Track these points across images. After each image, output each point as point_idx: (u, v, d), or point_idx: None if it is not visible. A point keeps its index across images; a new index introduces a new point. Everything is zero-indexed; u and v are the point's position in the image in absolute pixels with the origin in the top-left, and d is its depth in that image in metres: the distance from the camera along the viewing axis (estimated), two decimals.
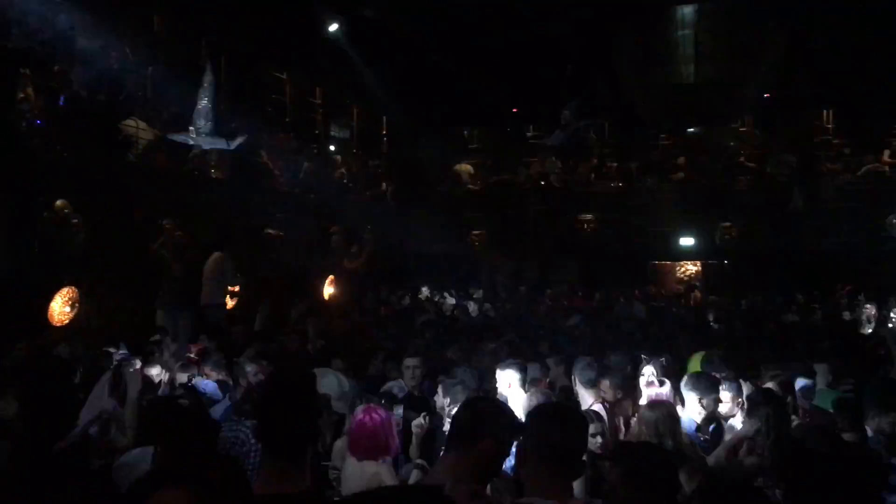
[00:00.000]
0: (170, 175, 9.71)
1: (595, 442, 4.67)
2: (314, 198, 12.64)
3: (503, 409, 2.83)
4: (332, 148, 14.49)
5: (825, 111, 14.55)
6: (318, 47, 11.71)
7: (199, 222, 9.50)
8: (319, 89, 13.51)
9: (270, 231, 11.23)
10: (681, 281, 17.47)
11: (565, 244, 14.90)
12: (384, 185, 14.88)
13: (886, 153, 14.19)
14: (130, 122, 9.19)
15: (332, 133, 14.63)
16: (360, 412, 4.04)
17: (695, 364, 6.16)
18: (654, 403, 4.32)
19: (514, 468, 3.82)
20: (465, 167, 16.16)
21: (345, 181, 13.83)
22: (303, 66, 12.83)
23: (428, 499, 1.57)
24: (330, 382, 5.77)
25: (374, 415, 3.90)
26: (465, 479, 2.61)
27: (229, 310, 9.46)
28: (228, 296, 9.59)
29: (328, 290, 12.98)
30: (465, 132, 17.18)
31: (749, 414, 4.13)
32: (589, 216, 14.69)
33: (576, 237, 14.72)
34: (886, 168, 13.89)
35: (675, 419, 4.02)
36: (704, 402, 4.55)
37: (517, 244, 15.25)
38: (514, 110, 15.35)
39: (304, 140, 13.58)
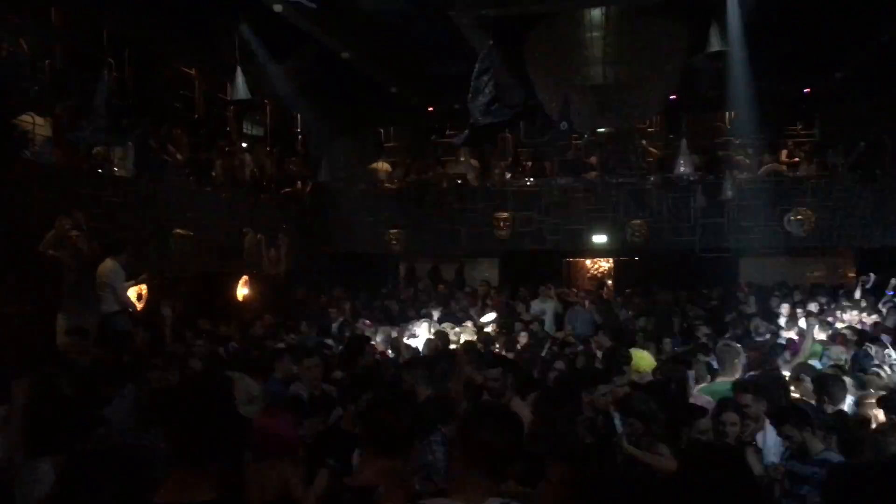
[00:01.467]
0: (69, 173, 9.26)
1: None
2: (225, 197, 12.34)
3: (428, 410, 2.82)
4: (244, 145, 14.16)
5: (727, 113, 15.17)
6: (228, 43, 11.41)
7: (101, 222, 9.11)
8: (230, 86, 13.19)
9: (180, 231, 10.89)
10: (594, 277, 17.93)
11: (482, 242, 15.03)
12: (299, 183, 14.65)
13: (784, 153, 14.92)
14: (26, 117, 8.76)
15: (245, 130, 14.30)
16: (261, 416, 3.97)
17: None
18: None
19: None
20: (382, 166, 16.08)
21: (257, 180, 13.54)
22: (213, 62, 12.49)
23: None
24: (239, 387, 5.65)
25: (277, 417, 3.82)
26: (398, 484, 2.59)
27: (136, 313, 9.10)
28: (137, 299, 9.22)
29: (242, 291, 12.71)
30: (381, 131, 17.10)
31: None
32: (505, 214, 14.85)
33: (492, 235, 14.86)
34: (784, 168, 14.59)
35: None
36: None
37: (435, 243, 15.29)
38: (430, 109, 15.38)
39: (215, 137, 13.24)
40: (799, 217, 13.84)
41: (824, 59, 12.97)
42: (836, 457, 4.15)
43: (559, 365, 7.14)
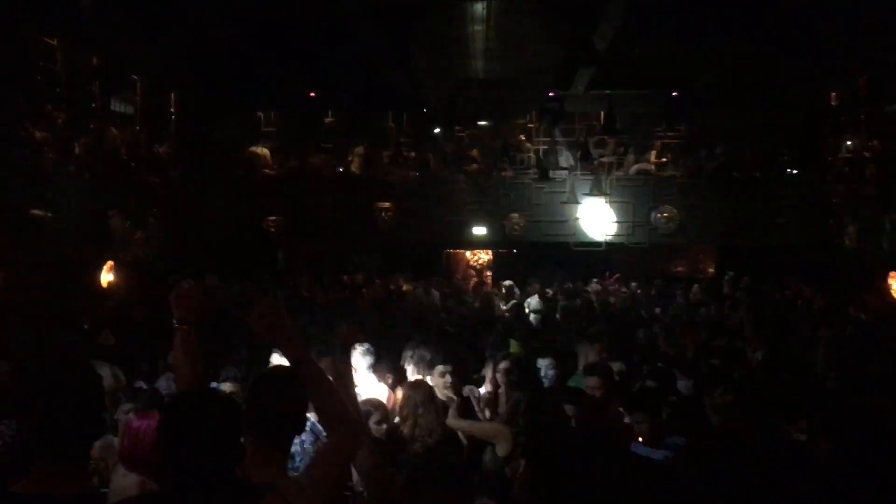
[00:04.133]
0: None
1: (380, 429, 4.80)
2: (89, 177, 11.64)
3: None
4: (112, 124, 13.38)
5: (601, 112, 15.76)
6: (94, 12, 10.73)
7: None
8: (97, 59, 12.42)
9: (37, 212, 10.17)
10: (473, 268, 18.26)
11: (363, 231, 14.96)
12: (172, 166, 14.02)
13: (653, 154, 15.68)
14: None
15: (113, 108, 13.51)
16: (134, 419, 3.63)
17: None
18: (414, 383, 4.78)
19: None
20: (262, 151, 15.67)
21: (125, 160, 12.85)
22: (77, 33, 11.71)
23: None
24: (104, 376, 5.40)
25: (149, 422, 3.46)
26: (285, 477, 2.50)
27: None
28: None
29: (107, 277, 12.04)
30: (261, 115, 16.64)
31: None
32: (387, 204, 14.83)
33: (374, 225, 14.81)
34: (653, 168, 15.34)
35: (432, 398, 4.51)
36: None
37: (315, 231, 15.07)
38: (312, 95, 15.10)
39: (79, 114, 12.43)
40: (665, 215, 14.62)
41: (691, 64, 13.69)
42: (683, 441, 4.38)
43: None
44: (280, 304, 2.50)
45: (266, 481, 2.29)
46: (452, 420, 4.74)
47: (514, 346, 7.31)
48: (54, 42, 12.09)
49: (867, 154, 12.32)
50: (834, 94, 13.94)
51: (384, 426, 4.81)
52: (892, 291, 10.76)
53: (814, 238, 13.74)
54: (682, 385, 5.73)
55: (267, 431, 2.47)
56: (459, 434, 4.73)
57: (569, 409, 4.80)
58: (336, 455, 2.42)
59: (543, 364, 6.03)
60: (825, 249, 13.21)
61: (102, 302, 11.05)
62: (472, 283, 15.47)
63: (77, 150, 11.68)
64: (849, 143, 13.25)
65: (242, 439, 2.23)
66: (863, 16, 10.39)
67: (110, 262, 11.96)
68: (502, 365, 5.50)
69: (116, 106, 13.69)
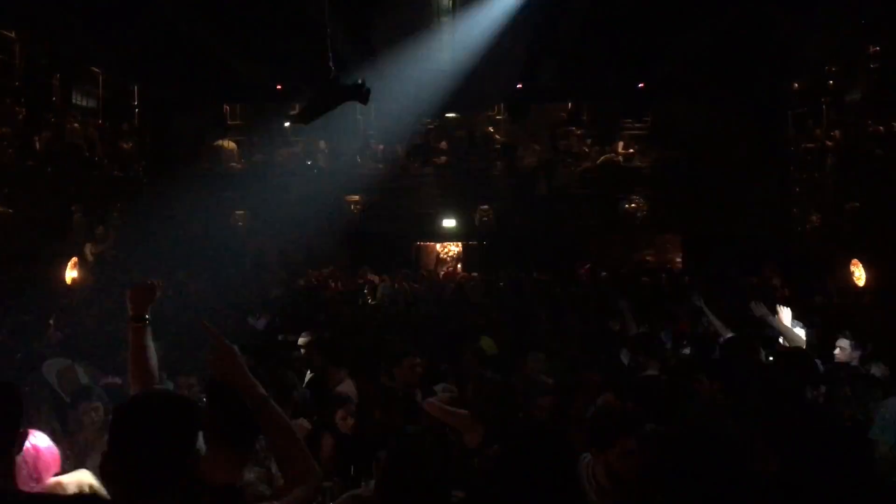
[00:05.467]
0: None
1: (346, 424, 4.79)
2: (51, 171, 11.42)
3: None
4: (73, 118, 13.13)
5: (569, 103, 15.83)
6: (52, 4, 10.50)
7: None
8: (55, 51, 12.17)
9: None
10: (443, 261, 18.22)
11: (332, 224, 14.84)
12: (136, 160, 13.81)
13: (620, 145, 15.80)
14: None
15: (74, 101, 13.25)
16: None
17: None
18: None
19: None
20: (228, 144, 15.48)
21: (87, 155, 12.62)
22: (35, 24, 11.45)
23: None
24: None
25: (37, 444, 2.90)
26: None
27: None
28: None
29: (70, 274, 11.83)
30: (227, 108, 16.42)
31: None
32: (355, 197, 14.75)
33: (342, 218, 14.71)
34: (620, 158, 15.46)
35: None
36: None
37: (283, 224, 14.93)
38: (279, 87, 14.92)
39: (39, 108, 12.17)
40: (633, 205, 14.74)
41: (655, 55, 13.79)
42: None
43: None
44: (233, 348, 2.42)
45: (224, 483, 2.26)
46: (430, 404, 4.71)
47: (485, 341, 7.30)
48: (12, 34, 11.82)
49: (829, 143, 12.52)
50: (796, 84, 14.14)
51: (350, 420, 4.80)
52: (855, 278, 10.95)
53: (777, 226, 13.95)
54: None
55: (225, 433, 2.42)
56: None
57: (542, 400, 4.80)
58: None
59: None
60: (788, 237, 13.43)
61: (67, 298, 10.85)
62: (443, 272, 15.44)
63: (38, 145, 11.46)
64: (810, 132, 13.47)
65: (200, 440, 2.13)
66: (823, 5, 10.54)
67: (75, 258, 11.76)
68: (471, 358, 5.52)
69: (78, 100, 13.44)
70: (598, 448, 3.33)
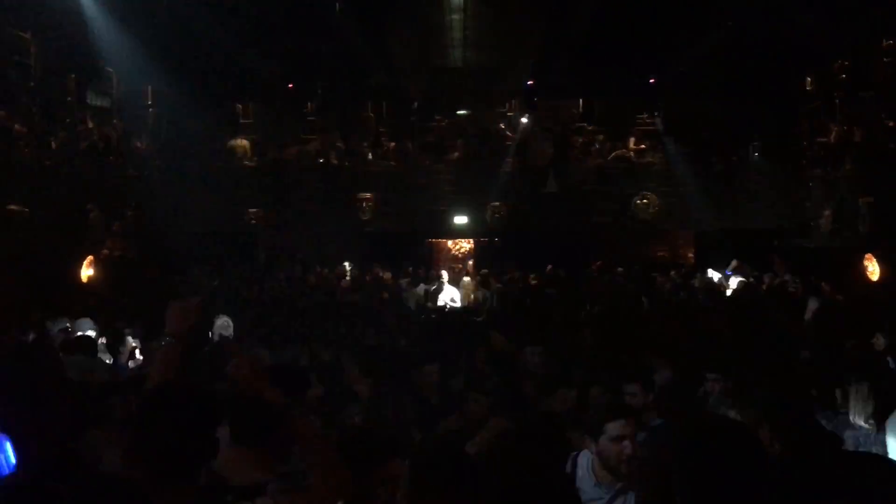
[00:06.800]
0: None
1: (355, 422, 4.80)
2: (67, 171, 11.53)
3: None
4: (88, 117, 13.25)
5: (580, 100, 15.78)
6: (66, 6, 10.60)
7: None
8: (72, 53, 12.29)
9: (13, 207, 10.06)
10: (455, 258, 18.24)
11: (344, 222, 14.90)
12: (150, 159, 13.92)
13: (632, 141, 15.74)
14: None
15: (89, 101, 13.38)
16: None
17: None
18: None
19: None
20: (241, 143, 15.55)
21: (103, 153, 12.73)
22: (51, 26, 11.57)
23: None
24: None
25: None
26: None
27: None
28: None
29: (87, 272, 11.93)
30: (239, 106, 16.50)
31: None
32: (368, 195, 14.80)
33: (355, 216, 14.77)
34: (632, 154, 15.41)
35: None
36: None
37: (296, 222, 15.01)
38: (290, 86, 15.01)
39: (55, 107, 12.30)
40: (645, 201, 14.72)
41: (667, 51, 13.75)
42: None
43: None
44: (255, 357, 2.47)
45: (251, 483, 2.28)
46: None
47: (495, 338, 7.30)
48: (27, 36, 11.93)
49: (842, 138, 12.46)
50: (809, 79, 14.06)
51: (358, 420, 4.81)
52: (868, 274, 10.89)
53: (791, 222, 13.89)
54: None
55: (247, 429, 2.44)
56: None
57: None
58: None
59: (530, 350, 6.09)
60: (802, 233, 13.37)
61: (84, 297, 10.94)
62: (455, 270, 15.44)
63: (53, 145, 11.57)
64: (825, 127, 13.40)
65: (217, 435, 2.14)
66: (838, 1, 10.50)
67: (90, 257, 11.86)
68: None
69: (93, 99, 13.56)
70: (593, 437, 3.36)
